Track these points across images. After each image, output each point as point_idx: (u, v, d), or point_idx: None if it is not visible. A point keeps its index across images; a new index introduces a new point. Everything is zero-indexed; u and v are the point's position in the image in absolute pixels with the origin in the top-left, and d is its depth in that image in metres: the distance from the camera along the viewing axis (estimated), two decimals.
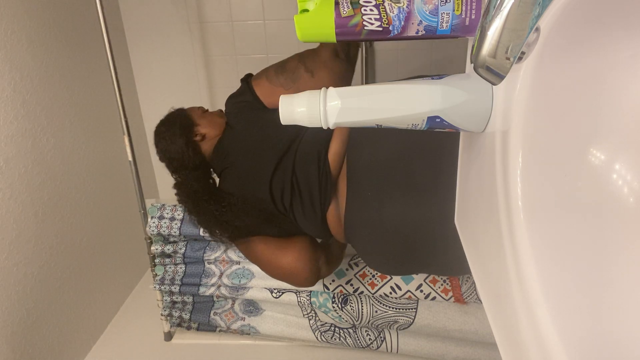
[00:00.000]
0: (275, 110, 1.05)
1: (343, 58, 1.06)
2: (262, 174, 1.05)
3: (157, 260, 1.34)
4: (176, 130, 1.12)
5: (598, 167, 0.28)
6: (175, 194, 1.14)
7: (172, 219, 1.31)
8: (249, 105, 1.08)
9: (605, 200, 0.27)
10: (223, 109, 1.16)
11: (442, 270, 1.14)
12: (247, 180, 1.07)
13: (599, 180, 0.28)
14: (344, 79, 1.08)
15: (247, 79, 1.11)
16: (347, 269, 1.28)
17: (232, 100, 1.12)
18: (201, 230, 1.28)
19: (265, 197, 1.04)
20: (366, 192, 0.99)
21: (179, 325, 1.44)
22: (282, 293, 1.29)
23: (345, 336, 1.32)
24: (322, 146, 1.04)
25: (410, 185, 0.96)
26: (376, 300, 1.25)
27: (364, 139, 1.02)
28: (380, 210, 0.98)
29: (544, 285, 0.34)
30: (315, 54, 1.06)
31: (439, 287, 1.22)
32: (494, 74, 0.31)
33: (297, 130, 1.06)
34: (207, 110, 1.20)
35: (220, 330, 1.41)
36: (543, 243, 0.34)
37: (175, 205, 1.34)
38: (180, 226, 1.30)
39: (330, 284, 1.27)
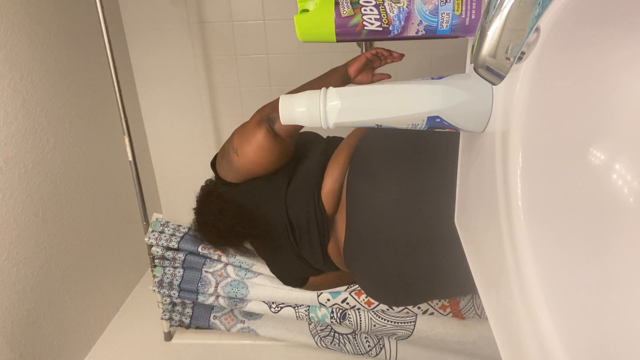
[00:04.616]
0: (251, 181, 1.07)
1: (263, 129, 0.98)
2: (271, 233, 1.09)
3: (156, 261, 1.34)
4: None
5: (598, 167, 0.28)
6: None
7: (173, 235, 1.32)
8: (223, 183, 1.10)
9: (605, 200, 0.27)
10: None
11: (443, 297, 1.18)
12: (267, 237, 1.11)
13: (599, 180, 0.28)
14: (269, 151, 1.00)
15: (214, 163, 1.12)
16: (344, 289, 1.27)
17: (216, 180, 1.14)
18: (199, 247, 1.28)
19: (290, 246, 1.10)
20: (364, 232, 1.00)
21: (178, 325, 1.44)
22: (281, 308, 1.29)
23: (345, 342, 1.32)
24: (315, 188, 1.05)
25: (408, 228, 0.96)
26: (374, 313, 1.25)
27: (363, 174, 1.02)
28: (377, 252, 0.98)
29: (544, 285, 0.34)
30: (243, 126, 1.03)
31: (437, 304, 1.21)
32: (494, 74, 0.31)
33: (281, 183, 1.07)
34: None
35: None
36: (543, 243, 0.34)
37: (179, 226, 1.35)
38: (180, 241, 1.30)
39: (326, 302, 1.26)
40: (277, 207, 1.06)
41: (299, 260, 1.12)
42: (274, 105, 1.02)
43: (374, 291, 1.09)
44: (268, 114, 1.00)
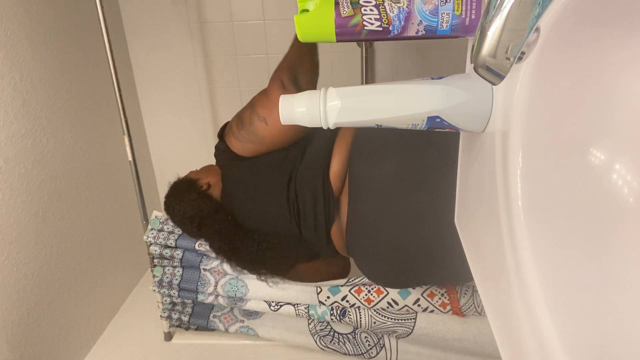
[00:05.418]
0: (260, 156, 1.08)
1: (292, 91, 1.01)
2: (272, 209, 1.09)
3: (155, 261, 1.34)
4: (184, 191, 1.17)
5: (598, 167, 0.28)
6: (215, 251, 1.20)
7: (171, 232, 1.31)
8: (233, 157, 1.10)
9: (605, 200, 0.27)
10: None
11: (440, 282, 1.18)
12: (264, 218, 1.11)
13: (599, 180, 0.28)
14: None
15: (222, 134, 1.13)
16: (342, 286, 1.27)
17: (218, 152, 1.16)
18: (196, 244, 1.28)
19: (290, 227, 1.10)
20: (366, 210, 1.01)
21: (178, 326, 1.44)
22: (280, 306, 1.29)
23: (345, 341, 1.32)
24: (324, 167, 1.05)
25: (409, 205, 0.97)
26: (375, 311, 1.25)
27: (365, 155, 1.03)
28: (379, 229, 0.99)
29: (544, 285, 0.34)
30: (265, 96, 1.04)
31: (437, 302, 1.21)
32: (494, 74, 0.31)
33: (291, 161, 1.07)
34: (197, 169, 1.28)
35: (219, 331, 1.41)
36: (543, 243, 0.34)
37: None
38: (177, 239, 1.30)
39: (326, 300, 1.26)
40: (285, 185, 1.06)
41: (296, 243, 1.12)
42: (288, 65, 1.03)
43: (372, 272, 1.10)
44: (290, 76, 1.01)
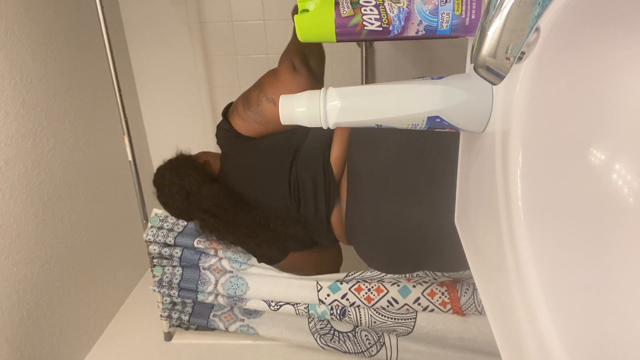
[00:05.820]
0: (264, 137, 1.08)
1: (304, 72, 1.02)
2: (273, 191, 1.08)
3: (155, 261, 1.34)
4: (180, 162, 1.15)
5: (598, 167, 0.28)
6: (209, 231, 1.16)
7: (171, 230, 1.31)
8: (237, 136, 1.10)
9: (605, 200, 0.27)
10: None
11: (439, 267, 1.17)
12: (263, 199, 1.10)
13: (599, 180, 0.28)
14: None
15: (226, 114, 1.12)
16: (341, 283, 1.27)
17: (220, 132, 1.14)
18: (195, 241, 1.28)
19: (290, 210, 1.09)
20: (365, 194, 1.01)
21: (178, 326, 1.44)
22: (280, 306, 1.29)
23: (345, 339, 1.32)
24: (325, 151, 1.06)
25: (407, 188, 0.98)
26: (375, 310, 1.25)
27: (364, 141, 1.03)
28: (378, 213, 1.00)
29: (544, 285, 0.34)
30: (275, 77, 1.04)
31: (437, 300, 1.20)
32: (494, 74, 0.31)
33: (294, 144, 1.07)
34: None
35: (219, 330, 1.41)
36: (543, 243, 0.34)
37: (178, 219, 1.34)
38: (177, 236, 1.30)
39: (326, 298, 1.26)
40: (287, 168, 1.06)
41: (294, 225, 1.11)
42: (297, 48, 1.03)
43: (371, 258, 1.11)
44: (301, 58, 1.01)
